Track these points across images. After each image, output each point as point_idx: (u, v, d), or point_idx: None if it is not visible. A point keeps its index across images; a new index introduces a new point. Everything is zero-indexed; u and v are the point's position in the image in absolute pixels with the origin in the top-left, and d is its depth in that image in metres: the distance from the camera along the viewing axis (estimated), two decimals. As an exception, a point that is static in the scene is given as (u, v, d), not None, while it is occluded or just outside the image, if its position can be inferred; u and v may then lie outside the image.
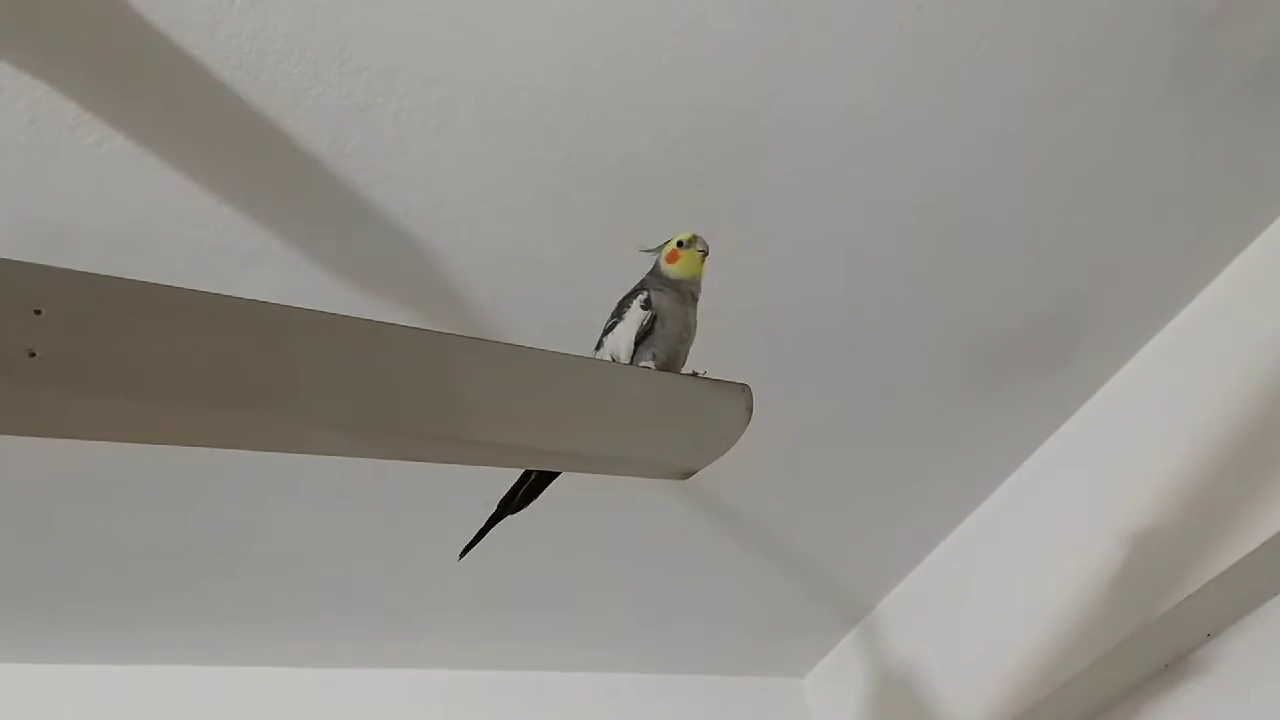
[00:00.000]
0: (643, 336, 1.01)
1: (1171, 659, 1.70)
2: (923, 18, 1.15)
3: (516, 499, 1.05)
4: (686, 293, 1.04)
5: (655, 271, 1.06)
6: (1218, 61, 1.24)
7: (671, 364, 1.02)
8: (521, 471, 1.04)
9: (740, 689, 2.36)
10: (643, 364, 1.00)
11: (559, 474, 1.03)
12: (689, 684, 2.32)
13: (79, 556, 1.70)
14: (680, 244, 1.04)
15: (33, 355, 0.67)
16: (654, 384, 0.98)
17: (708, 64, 1.17)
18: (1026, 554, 1.85)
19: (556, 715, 2.19)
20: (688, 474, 1.01)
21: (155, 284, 0.71)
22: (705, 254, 1.04)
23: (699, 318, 1.06)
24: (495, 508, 1.05)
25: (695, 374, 0.99)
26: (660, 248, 1.06)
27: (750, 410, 0.96)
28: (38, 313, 0.67)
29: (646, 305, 1.02)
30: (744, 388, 0.97)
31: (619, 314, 1.04)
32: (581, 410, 0.93)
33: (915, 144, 1.30)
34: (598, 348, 1.05)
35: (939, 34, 1.17)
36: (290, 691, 2.04)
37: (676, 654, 2.27)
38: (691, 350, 1.06)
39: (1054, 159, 1.34)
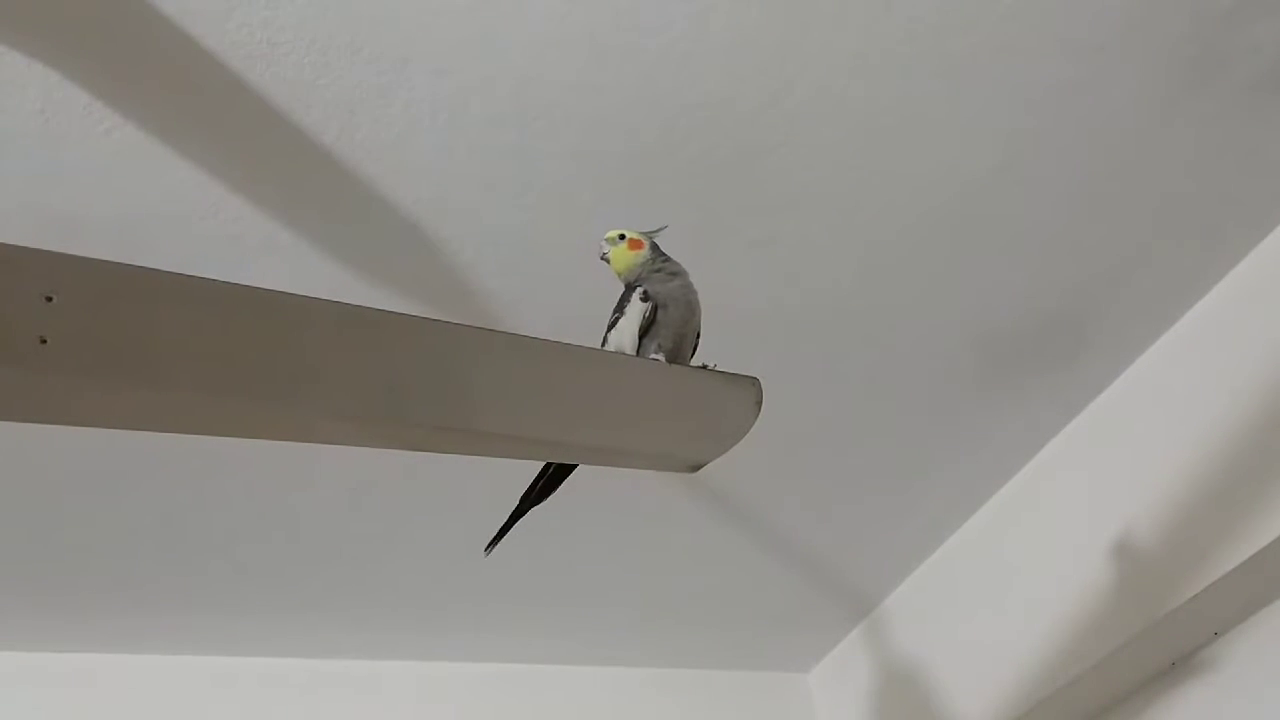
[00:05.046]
0: (646, 329, 1.01)
1: (1178, 657, 1.69)
2: (934, 11, 1.15)
3: (537, 491, 1.04)
4: (671, 272, 1.04)
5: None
6: (1232, 58, 1.23)
7: (679, 348, 1.01)
8: (543, 465, 1.04)
9: (745, 684, 2.36)
10: (650, 356, 1.00)
11: (578, 465, 1.02)
12: (694, 678, 2.32)
13: (89, 546, 1.71)
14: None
15: (44, 342, 0.67)
16: (663, 376, 0.97)
17: (718, 57, 1.17)
18: (1033, 551, 1.84)
19: (561, 709, 2.20)
20: (696, 467, 1.00)
21: (166, 271, 0.71)
22: (603, 256, 1.06)
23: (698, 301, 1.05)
24: (517, 502, 1.05)
25: (705, 366, 0.99)
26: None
27: (760, 404, 0.96)
28: (49, 299, 0.67)
29: (646, 297, 1.01)
30: (754, 381, 0.96)
31: (620, 309, 1.03)
32: (590, 402, 0.93)
33: (924, 139, 1.29)
34: (603, 345, 1.05)
35: (950, 28, 1.17)
36: (298, 682, 2.05)
37: (681, 648, 2.27)
38: (699, 346, 1.05)
39: (1064, 155, 1.33)
